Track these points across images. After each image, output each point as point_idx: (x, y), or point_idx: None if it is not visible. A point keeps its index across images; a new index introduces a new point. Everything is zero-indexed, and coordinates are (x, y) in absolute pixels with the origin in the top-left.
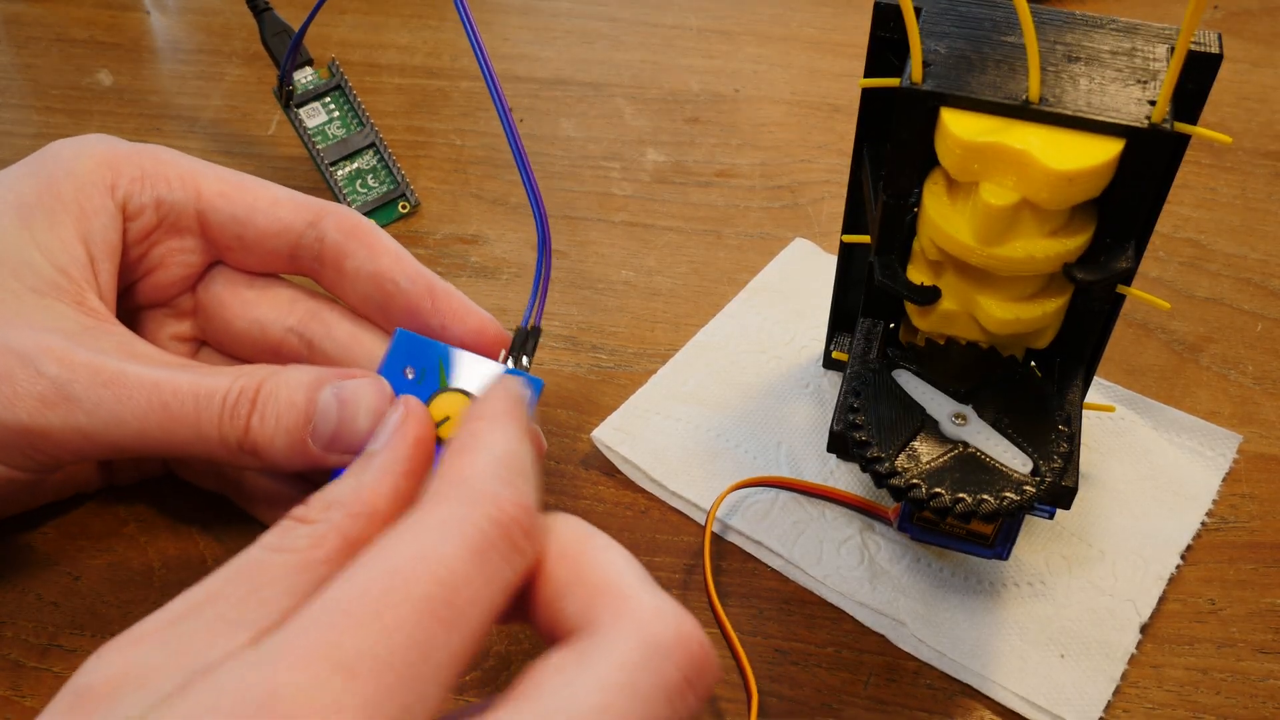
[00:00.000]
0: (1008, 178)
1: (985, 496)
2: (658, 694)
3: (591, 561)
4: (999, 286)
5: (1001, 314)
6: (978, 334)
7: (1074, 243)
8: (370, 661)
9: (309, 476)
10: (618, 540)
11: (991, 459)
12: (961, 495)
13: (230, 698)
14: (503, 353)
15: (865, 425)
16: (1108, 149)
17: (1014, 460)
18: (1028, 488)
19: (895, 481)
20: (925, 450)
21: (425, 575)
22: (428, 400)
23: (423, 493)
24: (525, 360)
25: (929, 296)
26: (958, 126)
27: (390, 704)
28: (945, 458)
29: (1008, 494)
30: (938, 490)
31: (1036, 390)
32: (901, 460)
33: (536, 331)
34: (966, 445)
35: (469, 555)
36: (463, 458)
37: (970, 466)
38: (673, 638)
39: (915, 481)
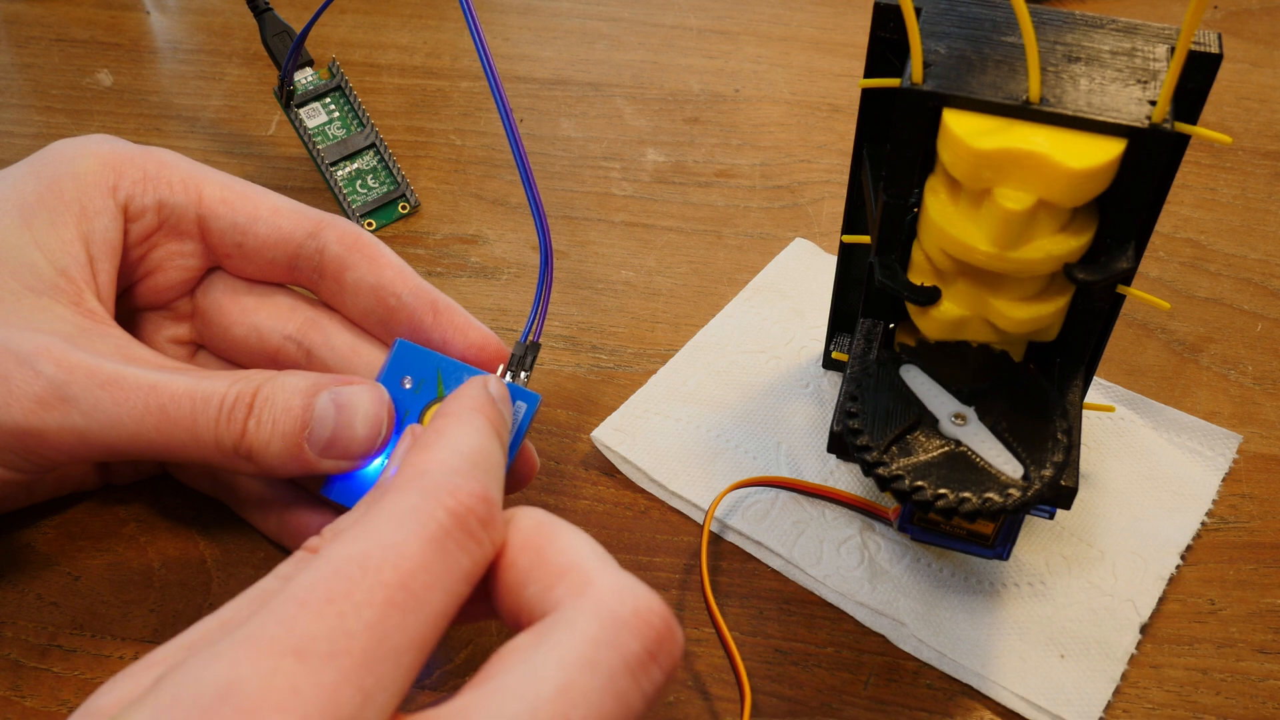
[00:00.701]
0: (1025, 181)
1: (968, 495)
2: (620, 668)
3: (553, 547)
4: (1012, 287)
5: (1018, 314)
6: (990, 335)
7: (1083, 238)
8: (325, 645)
9: (303, 482)
10: (618, 540)
11: (983, 460)
12: (944, 491)
13: (191, 690)
14: (501, 367)
15: (861, 414)
16: (1110, 147)
17: (1005, 464)
18: (1013, 491)
19: (882, 471)
20: (918, 444)
21: (380, 563)
22: (424, 409)
23: (386, 487)
24: (524, 375)
25: (929, 297)
26: (966, 134)
27: (348, 687)
28: (936, 454)
29: (991, 495)
30: (921, 484)
31: (1041, 397)
32: (892, 451)
33: (535, 347)
34: (959, 444)
35: (425, 544)
36: (425, 452)
37: (960, 465)
38: (631, 612)
39: (900, 472)
